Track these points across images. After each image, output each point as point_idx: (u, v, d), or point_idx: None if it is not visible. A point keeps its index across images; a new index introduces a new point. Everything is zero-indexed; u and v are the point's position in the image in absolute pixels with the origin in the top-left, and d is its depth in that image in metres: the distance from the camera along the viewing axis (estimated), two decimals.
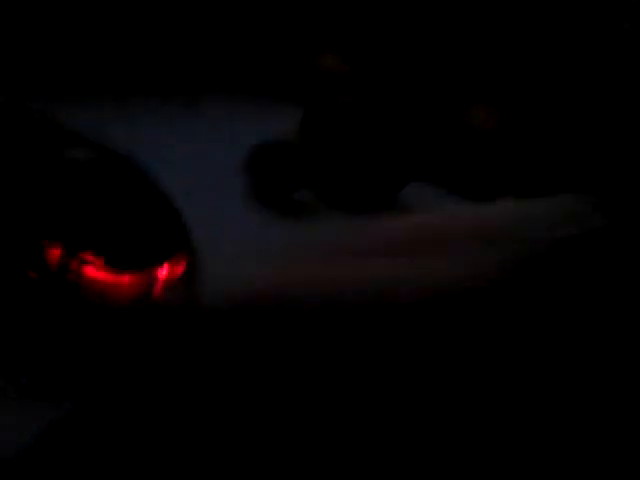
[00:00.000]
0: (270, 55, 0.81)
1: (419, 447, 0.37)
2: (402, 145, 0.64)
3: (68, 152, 0.45)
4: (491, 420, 0.38)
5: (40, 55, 0.75)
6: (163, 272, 0.43)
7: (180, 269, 0.44)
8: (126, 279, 0.43)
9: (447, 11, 0.75)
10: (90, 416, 0.40)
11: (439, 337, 0.41)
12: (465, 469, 0.37)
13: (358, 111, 0.66)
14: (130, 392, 0.41)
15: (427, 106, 0.70)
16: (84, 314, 0.43)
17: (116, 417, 0.40)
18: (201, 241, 0.46)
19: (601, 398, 0.38)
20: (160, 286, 0.44)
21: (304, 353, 0.42)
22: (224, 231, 0.53)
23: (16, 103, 0.49)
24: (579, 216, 0.46)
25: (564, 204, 0.49)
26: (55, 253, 0.42)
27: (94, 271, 0.42)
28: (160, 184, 0.47)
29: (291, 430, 0.39)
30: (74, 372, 0.43)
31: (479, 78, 0.71)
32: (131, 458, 0.39)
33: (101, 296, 0.43)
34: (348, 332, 0.42)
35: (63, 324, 0.43)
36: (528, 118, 0.66)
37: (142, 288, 0.43)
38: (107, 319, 0.43)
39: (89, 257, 0.42)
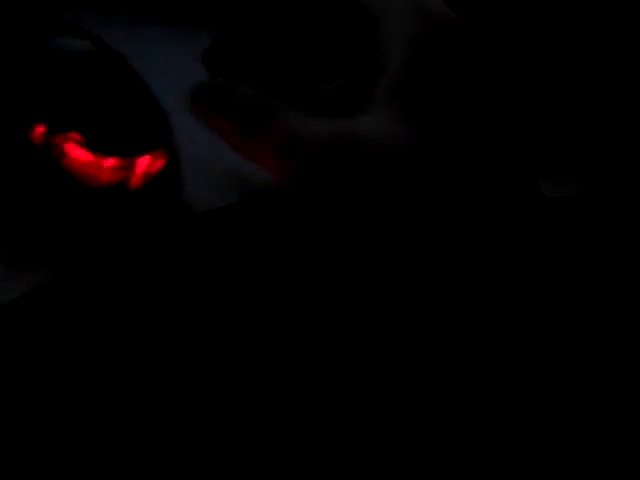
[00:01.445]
0: None
1: None
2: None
3: (61, 39, 0.47)
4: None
5: None
6: (143, 163, 0.45)
7: (160, 164, 0.45)
8: (105, 162, 0.44)
9: None
10: (65, 285, 0.41)
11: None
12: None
13: None
14: (104, 265, 0.42)
15: None
16: (63, 189, 0.44)
17: (91, 288, 0.41)
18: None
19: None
20: (138, 176, 0.45)
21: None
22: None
23: None
24: None
25: None
26: (40, 130, 0.44)
27: (76, 150, 0.44)
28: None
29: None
30: (51, 243, 0.44)
31: None
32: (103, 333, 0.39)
33: (80, 175, 0.44)
34: None
35: (44, 198, 0.44)
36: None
37: (120, 174, 0.44)
38: (85, 197, 0.44)
39: (72, 136, 0.43)
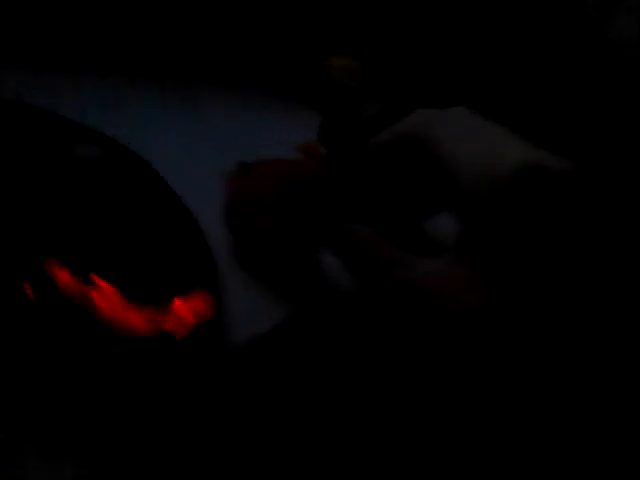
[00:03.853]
0: (280, 53, 0.75)
1: None
2: None
3: (79, 151, 0.38)
4: None
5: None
6: (182, 307, 0.37)
7: (204, 307, 0.38)
8: (139, 311, 0.36)
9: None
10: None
11: None
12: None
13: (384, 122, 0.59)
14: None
15: None
16: (88, 341, 0.36)
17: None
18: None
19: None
20: (177, 323, 0.37)
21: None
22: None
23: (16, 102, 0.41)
24: None
25: None
26: (59, 271, 0.36)
27: (102, 297, 0.36)
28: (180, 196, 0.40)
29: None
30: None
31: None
32: None
33: (108, 324, 0.36)
34: None
35: (64, 349, 0.36)
36: None
37: (155, 323, 0.37)
38: (114, 349, 0.36)
39: (99, 282, 0.35)
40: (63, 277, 0.35)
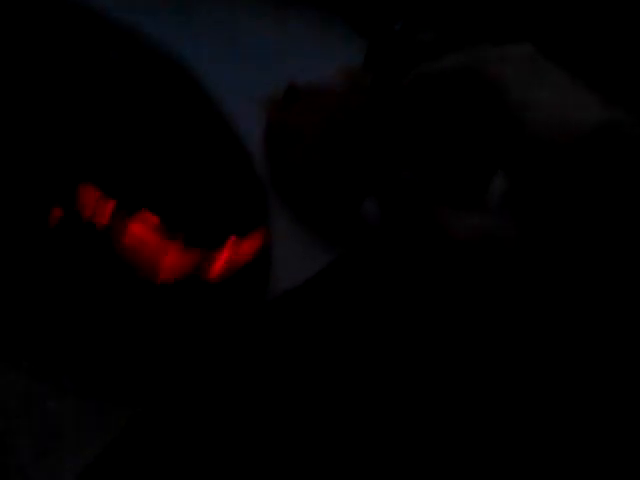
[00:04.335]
0: None
1: None
2: None
3: (122, 62, 0.34)
4: None
5: None
6: (229, 251, 0.33)
7: (251, 249, 0.34)
8: (182, 252, 0.32)
9: None
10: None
11: None
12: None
13: None
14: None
15: None
16: (106, 279, 0.32)
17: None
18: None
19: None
20: (220, 267, 0.33)
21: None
22: None
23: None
24: None
25: None
26: (94, 198, 0.31)
27: (143, 231, 0.32)
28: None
29: None
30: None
31: None
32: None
33: (143, 267, 0.32)
34: None
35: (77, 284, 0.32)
36: None
37: (197, 264, 0.33)
38: (149, 293, 0.32)
39: (144, 215, 0.31)
40: (102, 206, 0.31)
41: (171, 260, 0.32)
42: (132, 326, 0.32)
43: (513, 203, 0.37)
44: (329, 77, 0.55)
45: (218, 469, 0.33)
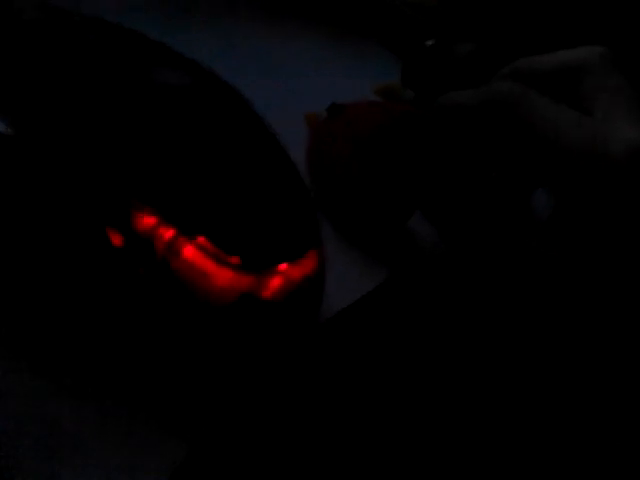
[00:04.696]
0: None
1: None
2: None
3: (171, 80, 0.34)
4: None
5: None
6: (281, 272, 0.33)
7: (306, 271, 0.34)
8: (235, 276, 0.32)
9: None
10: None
11: None
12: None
13: None
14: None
15: None
16: (173, 305, 0.32)
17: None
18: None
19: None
20: (274, 287, 0.33)
21: None
22: None
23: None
24: None
25: None
26: (151, 223, 0.32)
27: (198, 257, 0.32)
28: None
29: None
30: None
31: None
32: None
33: (198, 290, 0.32)
34: None
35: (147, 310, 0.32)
36: None
37: (252, 287, 0.33)
38: (205, 316, 0.32)
39: (200, 241, 0.31)
40: (161, 230, 0.31)
41: (225, 283, 0.32)
42: (188, 348, 0.33)
43: (559, 221, 0.36)
44: (368, 94, 0.55)
45: None
